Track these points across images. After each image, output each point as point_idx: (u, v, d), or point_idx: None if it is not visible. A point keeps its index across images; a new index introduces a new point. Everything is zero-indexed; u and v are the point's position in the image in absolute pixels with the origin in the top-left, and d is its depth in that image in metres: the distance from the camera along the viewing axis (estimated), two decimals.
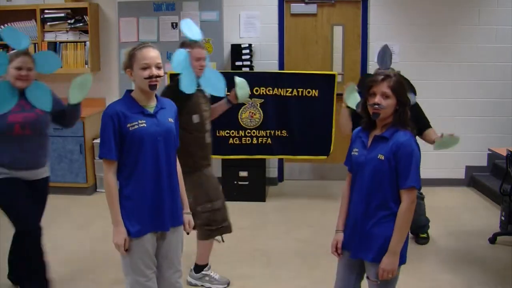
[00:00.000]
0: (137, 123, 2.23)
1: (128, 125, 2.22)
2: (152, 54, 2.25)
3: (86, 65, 5.58)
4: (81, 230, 4.43)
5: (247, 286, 3.42)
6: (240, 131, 5.14)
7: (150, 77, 2.22)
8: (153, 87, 2.25)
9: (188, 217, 2.49)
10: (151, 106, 2.32)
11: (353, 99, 3.46)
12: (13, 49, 3.05)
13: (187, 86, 2.95)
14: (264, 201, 5.23)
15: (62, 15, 5.54)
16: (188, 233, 2.52)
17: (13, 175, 3.01)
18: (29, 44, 3.06)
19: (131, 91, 2.34)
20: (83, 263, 3.73)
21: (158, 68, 2.26)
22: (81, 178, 5.38)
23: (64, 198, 5.31)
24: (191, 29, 3.12)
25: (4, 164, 2.99)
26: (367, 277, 2.28)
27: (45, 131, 3.13)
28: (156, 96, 2.36)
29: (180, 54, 2.99)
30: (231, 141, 5.15)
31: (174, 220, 2.38)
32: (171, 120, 2.37)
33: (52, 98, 3.13)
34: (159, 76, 2.25)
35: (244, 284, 3.43)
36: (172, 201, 2.35)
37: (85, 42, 5.57)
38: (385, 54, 2.99)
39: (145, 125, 2.25)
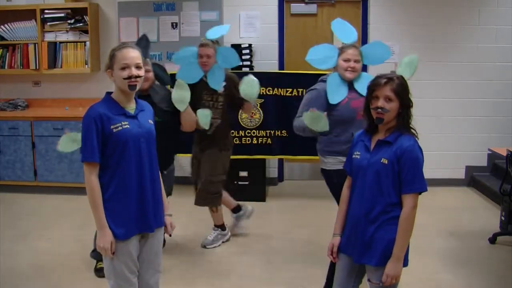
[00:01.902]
0: (120, 124, 2.22)
1: (112, 127, 2.20)
2: (132, 54, 2.24)
3: (86, 65, 5.58)
4: (81, 230, 4.42)
5: (246, 285, 3.42)
6: (240, 131, 5.14)
7: (130, 77, 2.21)
8: (132, 87, 2.24)
9: (169, 219, 2.47)
10: (132, 107, 2.31)
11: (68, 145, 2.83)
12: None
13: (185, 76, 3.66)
14: (264, 201, 5.23)
15: (62, 15, 5.54)
16: (170, 235, 2.50)
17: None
18: (357, 37, 3.27)
19: (111, 92, 2.33)
20: (83, 262, 3.73)
21: (138, 68, 2.24)
22: (81, 178, 5.36)
23: (64, 198, 5.32)
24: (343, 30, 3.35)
25: (342, 152, 3.04)
26: (369, 280, 2.27)
27: None
28: (134, 98, 2.35)
29: (187, 51, 3.78)
30: None
31: (157, 221, 2.37)
32: (150, 121, 2.37)
33: None
34: (138, 76, 2.24)
35: (244, 284, 3.43)
36: (154, 202, 2.34)
37: (85, 42, 5.57)
38: (140, 43, 3.39)
39: (128, 126, 2.23)
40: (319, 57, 3.25)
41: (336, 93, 3.14)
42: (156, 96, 3.40)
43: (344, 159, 2.98)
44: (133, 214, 2.26)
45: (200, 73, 3.77)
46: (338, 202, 3.09)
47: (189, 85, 3.48)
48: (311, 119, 3.01)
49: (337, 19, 3.42)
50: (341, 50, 3.17)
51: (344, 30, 3.33)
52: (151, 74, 3.41)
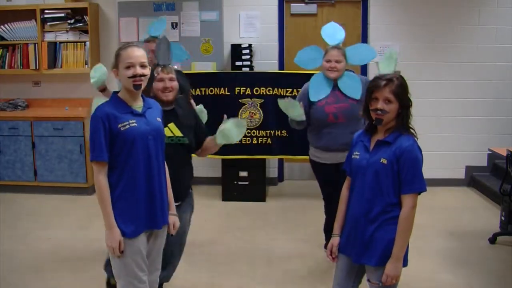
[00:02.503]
0: (128, 123, 2.22)
1: (119, 126, 2.21)
2: (137, 53, 2.24)
3: (86, 65, 5.58)
4: (82, 230, 4.43)
5: (246, 286, 3.42)
6: None
7: (134, 76, 2.21)
8: (137, 86, 2.24)
9: (173, 218, 2.47)
10: (139, 106, 2.31)
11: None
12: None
13: None
14: (264, 201, 5.23)
15: (62, 15, 5.54)
16: (172, 235, 2.50)
17: (325, 159, 3.57)
18: (342, 39, 3.58)
19: (117, 92, 2.33)
20: (83, 262, 3.73)
21: (143, 67, 2.24)
22: (81, 178, 5.38)
23: (64, 198, 5.32)
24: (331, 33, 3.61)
25: (319, 147, 3.56)
26: (368, 280, 2.27)
27: (357, 117, 3.32)
28: (142, 96, 2.35)
29: None
30: None
31: (163, 218, 2.38)
32: (158, 119, 2.37)
33: (361, 87, 3.46)
34: (143, 75, 2.24)
35: (244, 284, 3.43)
36: (162, 199, 2.35)
37: (85, 42, 5.57)
38: (160, 47, 2.90)
39: (135, 124, 2.24)
40: (305, 59, 3.62)
41: (317, 91, 3.50)
42: (180, 110, 2.85)
43: (317, 153, 3.60)
44: (142, 211, 2.27)
45: None
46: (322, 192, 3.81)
47: None
48: (285, 106, 3.44)
49: (329, 23, 3.71)
50: (325, 51, 3.52)
51: (332, 33, 3.61)
52: (175, 84, 2.81)
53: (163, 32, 3.60)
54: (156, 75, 2.78)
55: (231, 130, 2.71)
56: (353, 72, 3.64)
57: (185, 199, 2.89)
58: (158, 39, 3.43)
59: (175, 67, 3.04)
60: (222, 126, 2.69)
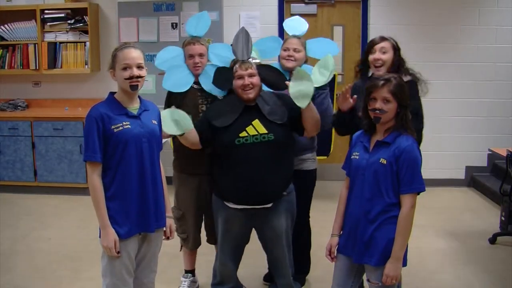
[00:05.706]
0: (121, 124, 2.22)
1: (113, 127, 2.20)
2: (134, 54, 2.23)
3: (86, 65, 5.58)
4: (81, 230, 4.43)
5: (246, 285, 3.41)
6: None
7: (131, 77, 2.21)
8: (134, 87, 2.24)
9: (169, 221, 2.46)
10: (135, 107, 2.30)
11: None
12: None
13: (174, 84, 2.95)
14: None
15: (62, 15, 5.54)
16: (168, 238, 2.48)
17: None
18: (305, 30, 3.20)
19: (114, 93, 2.33)
20: (83, 262, 3.73)
21: (140, 68, 2.24)
22: (81, 178, 5.38)
23: (64, 198, 5.32)
24: (293, 25, 3.23)
25: None
26: (368, 280, 2.27)
27: None
28: (139, 97, 2.35)
29: (171, 52, 3.04)
30: None
31: (158, 221, 2.37)
32: (154, 122, 2.36)
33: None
34: (140, 77, 2.24)
35: (244, 284, 3.43)
36: (156, 202, 2.34)
37: (85, 42, 5.57)
38: (238, 41, 2.70)
39: (129, 126, 2.23)
40: (263, 48, 3.15)
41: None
42: (266, 107, 2.65)
43: None
44: (134, 213, 2.26)
45: (191, 78, 2.97)
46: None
47: (179, 94, 2.92)
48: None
49: (294, 17, 3.35)
50: (284, 40, 3.16)
51: (294, 25, 3.25)
52: (256, 80, 2.64)
53: (207, 30, 3.07)
54: (234, 72, 2.66)
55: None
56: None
57: (277, 202, 2.68)
58: (202, 38, 3.04)
59: (257, 60, 2.79)
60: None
